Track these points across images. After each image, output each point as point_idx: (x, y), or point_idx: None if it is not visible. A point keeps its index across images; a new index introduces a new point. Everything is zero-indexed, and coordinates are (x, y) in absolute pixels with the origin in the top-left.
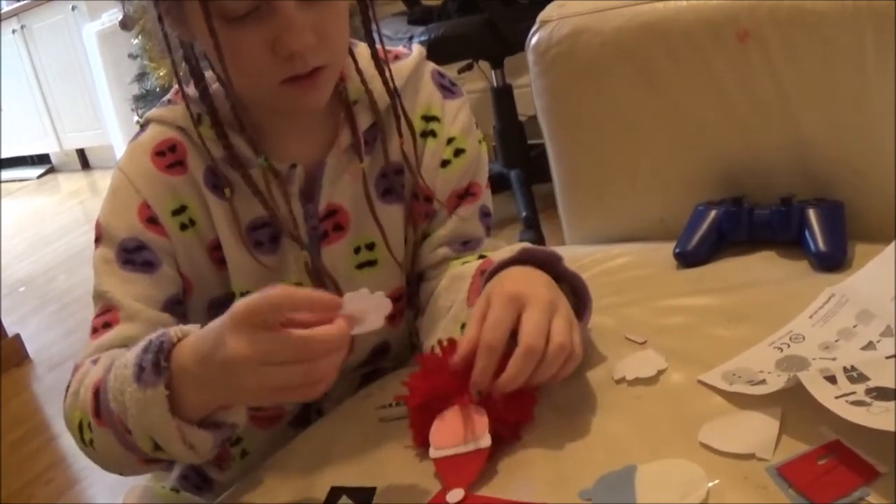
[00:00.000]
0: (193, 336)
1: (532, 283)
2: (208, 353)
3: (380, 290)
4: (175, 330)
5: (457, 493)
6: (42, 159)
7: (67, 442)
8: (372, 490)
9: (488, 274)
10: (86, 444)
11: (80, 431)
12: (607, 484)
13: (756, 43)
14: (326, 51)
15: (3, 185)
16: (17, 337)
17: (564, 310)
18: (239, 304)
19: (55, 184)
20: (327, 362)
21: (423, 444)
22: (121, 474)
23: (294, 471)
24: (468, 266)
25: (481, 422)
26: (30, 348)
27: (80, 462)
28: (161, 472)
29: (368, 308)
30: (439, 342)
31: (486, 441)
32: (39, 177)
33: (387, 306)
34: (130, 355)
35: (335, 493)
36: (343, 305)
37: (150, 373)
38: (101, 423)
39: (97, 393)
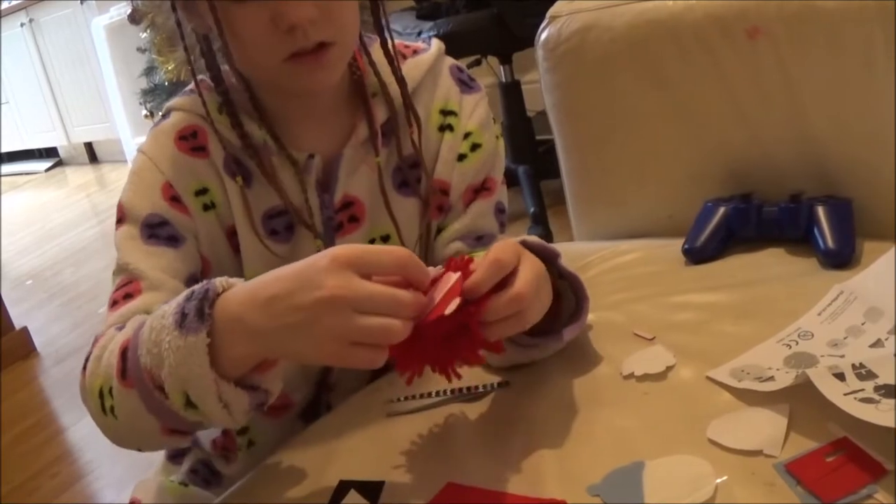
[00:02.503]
0: (246, 284)
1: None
2: (283, 294)
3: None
4: (220, 280)
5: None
6: (50, 153)
7: (74, 435)
8: (380, 484)
9: None
10: (105, 414)
11: (100, 399)
12: (615, 480)
13: (765, 40)
14: (329, 26)
15: (10, 178)
16: (24, 330)
17: (545, 288)
18: (341, 249)
19: (63, 177)
20: (405, 328)
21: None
22: (139, 449)
23: (302, 465)
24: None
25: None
26: (36, 341)
27: (87, 455)
28: (170, 465)
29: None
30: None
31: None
32: (47, 170)
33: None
34: (170, 305)
35: (343, 487)
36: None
37: (194, 319)
38: (127, 384)
39: (125, 352)
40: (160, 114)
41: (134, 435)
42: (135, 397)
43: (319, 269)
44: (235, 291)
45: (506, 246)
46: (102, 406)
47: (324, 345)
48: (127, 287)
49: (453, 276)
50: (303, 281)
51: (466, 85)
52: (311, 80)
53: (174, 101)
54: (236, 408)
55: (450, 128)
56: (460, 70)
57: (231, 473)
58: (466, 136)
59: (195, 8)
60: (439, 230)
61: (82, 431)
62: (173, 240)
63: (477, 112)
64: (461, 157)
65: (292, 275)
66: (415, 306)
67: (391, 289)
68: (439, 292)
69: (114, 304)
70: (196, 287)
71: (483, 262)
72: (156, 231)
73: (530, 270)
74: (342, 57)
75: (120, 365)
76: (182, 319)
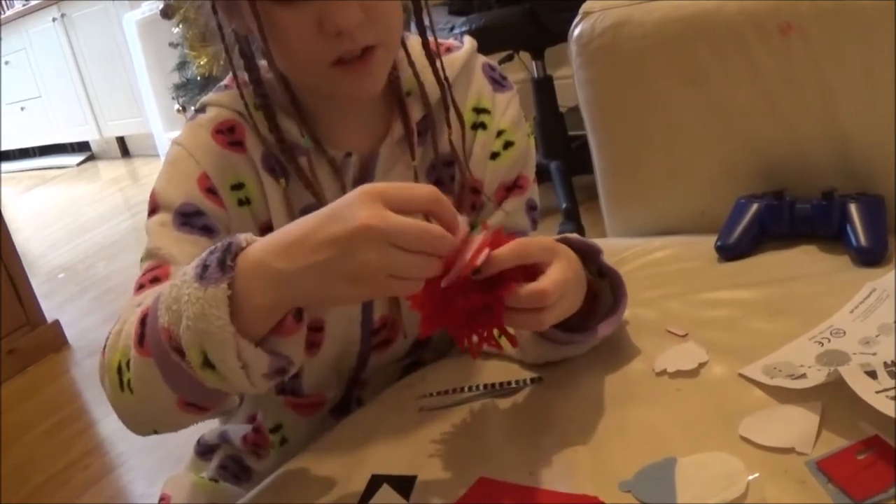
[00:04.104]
0: (272, 234)
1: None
2: (310, 232)
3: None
4: (244, 235)
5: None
6: (82, 147)
7: (105, 428)
8: (412, 478)
9: None
10: (122, 390)
11: (118, 375)
12: (647, 476)
13: (798, 36)
14: (375, 29)
15: (42, 171)
16: (57, 323)
17: (575, 292)
18: (370, 185)
19: (95, 171)
20: (438, 264)
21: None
22: (155, 431)
23: (334, 459)
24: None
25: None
26: (69, 334)
27: (118, 448)
28: (199, 461)
29: None
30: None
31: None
32: (79, 164)
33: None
34: (191, 263)
35: (376, 481)
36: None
37: (215, 270)
38: (144, 352)
39: (144, 319)
40: (194, 108)
41: (149, 411)
42: (151, 366)
43: (349, 202)
44: (259, 242)
45: (539, 240)
46: (120, 382)
47: (360, 279)
48: (155, 271)
49: (479, 237)
50: (332, 216)
51: (499, 83)
52: (357, 87)
53: (210, 97)
54: (255, 370)
55: (482, 126)
56: (492, 68)
57: (261, 469)
58: (499, 134)
59: (237, 8)
60: (472, 227)
61: (114, 424)
62: (207, 230)
63: (509, 110)
64: (494, 156)
65: (319, 213)
66: (447, 242)
67: (423, 222)
68: (468, 251)
69: (140, 287)
70: (218, 243)
71: (510, 243)
72: (190, 220)
73: (560, 272)
74: (387, 60)
75: (138, 331)
76: (203, 271)
